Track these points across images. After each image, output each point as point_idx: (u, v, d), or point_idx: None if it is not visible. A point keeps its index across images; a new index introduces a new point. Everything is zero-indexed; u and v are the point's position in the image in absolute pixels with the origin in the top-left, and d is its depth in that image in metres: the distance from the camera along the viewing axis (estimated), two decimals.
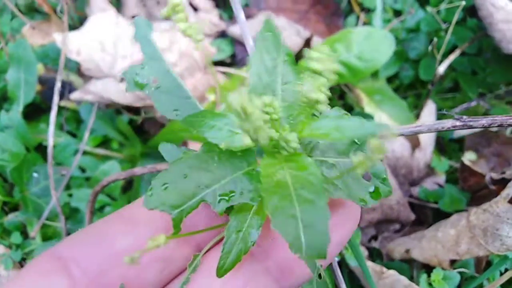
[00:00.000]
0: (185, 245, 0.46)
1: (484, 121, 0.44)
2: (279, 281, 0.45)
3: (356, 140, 0.44)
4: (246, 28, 0.52)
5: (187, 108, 0.47)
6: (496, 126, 0.44)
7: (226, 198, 0.41)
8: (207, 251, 0.45)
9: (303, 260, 0.32)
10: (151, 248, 0.34)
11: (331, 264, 0.65)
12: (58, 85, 0.82)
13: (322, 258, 0.32)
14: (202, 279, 0.44)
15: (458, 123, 0.45)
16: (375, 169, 0.44)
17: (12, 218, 0.94)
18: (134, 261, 0.33)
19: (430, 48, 0.95)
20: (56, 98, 0.81)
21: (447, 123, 0.46)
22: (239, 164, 0.42)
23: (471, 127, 0.45)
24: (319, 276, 0.46)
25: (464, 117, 0.45)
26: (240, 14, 0.58)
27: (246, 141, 0.35)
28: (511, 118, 0.43)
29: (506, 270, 0.76)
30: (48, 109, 1.12)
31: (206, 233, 0.47)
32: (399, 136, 0.51)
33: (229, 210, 0.42)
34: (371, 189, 0.44)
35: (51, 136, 0.79)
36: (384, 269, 0.75)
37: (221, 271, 0.41)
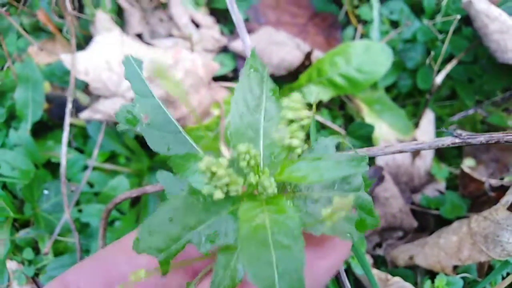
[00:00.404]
0: (182, 273, 0.49)
1: (482, 138, 0.47)
2: None
3: None
4: (248, 45, 0.55)
5: (178, 143, 0.48)
6: (493, 143, 0.46)
7: (211, 239, 0.42)
8: (201, 279, 0.47)
9: None
10: (132, 282, 0.35)
11: (338, 274, 0.68)
12: (69, 106, 0.85)
13: None
14: None
15: (457, 140, 0.48)
16: (361, 201, 0.43)
17: (23, 234, 0.96)
18: (138, 279, 0.35)
19: (428, 61, 0.98)
20: (67, 119, 0.83)
21: (447, 140, 0.49)
22: (223, 204, 0.43)
23: (469, 144, 0.47)
24: None
25: (463, 134, 0.48)
26: (243, 31, 0.60)
27: (218, 195, 0.35)
28: (508, 135, 0.46)
29: (508, 274, 0.79)
30: (55, 126, 1.14)
31: (202, 262, 0.48)
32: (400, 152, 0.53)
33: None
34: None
35: (63, 155, 0.81)
36: (389, 276, 0.78)
37: None
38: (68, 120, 0.83)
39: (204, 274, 0.47)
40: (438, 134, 1.02)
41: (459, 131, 0.47)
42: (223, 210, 0.43)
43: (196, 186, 0.42)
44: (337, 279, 0.87)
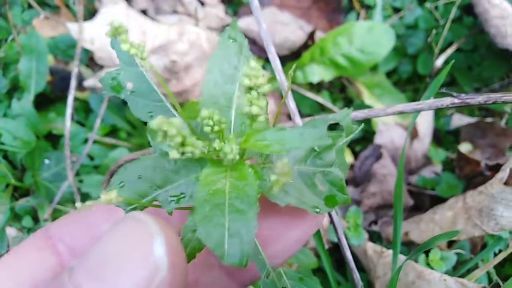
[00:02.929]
0: None
1: (480, 98, 0.48)
2: (232, 275, 0.49)
3: (316, 148, 0.45)
4: (259, 13, 0.56)
5: (160, 111, 0.48)
6: (491, 103, 0.48)
7: (176, 199, 0.43)
8: None
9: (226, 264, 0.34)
10: (102, 202, 0.36)
11: (340, 245, 0.68)
12: (75, 70, 0.86)
13: (242, 266, 0.34)
14: None
15: (456, 100, 0.49)
16: (331, 177, 0.44)
17: (23, 203, 0.96)
18: (87, 208, 0.36)
19: (429, 39, 0.99)
20: (73, 82, 0.84)
21: (446, 101, 0.50)
22: (193, 169, 0.44)
23: (468, 104, 0.48)
24: (267, 276, 0.47)
25: (462, 95, 0.49)
26: (256, 9, 0.60)
27: (173, 155, 0.35)
28: (505, 95, 0.47)
29: (500, 251, 0.80)
30: (57, 99, 1.15)
31: (179, 221, 0.49)
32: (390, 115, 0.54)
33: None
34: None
35: (68, 118, 0.82)
36: (384, 249, 0.79)
37: None
38: (74, 82, 0.83)
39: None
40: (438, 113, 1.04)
41: (458, 93, 0.49)
42: (192, 174, 0.44)
43: (165, 149, 0.43)
44: (338, 250, 0.88)
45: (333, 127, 0.82)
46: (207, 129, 0.39)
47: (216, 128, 0.39)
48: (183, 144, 0.35)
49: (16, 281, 0.42)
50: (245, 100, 0.38)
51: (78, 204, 0.35)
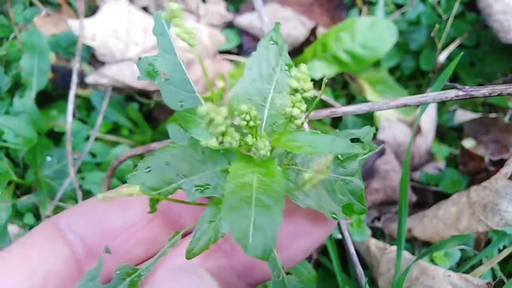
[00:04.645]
0: (171, 230, 0.50)
1: (485, 90, 0.48)
2: (242, 277, 0.49)
3: (339, 156, 0.46)
4: (261, 7, 0.55)
5: (191, 101, 0.49)
6: (496, 95, 0.47)
7: (201, 189, 0.44)
8: (188, 234, 0.49)
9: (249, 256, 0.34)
10: (124, 195, 0.36)
11: (343, 239, 0.68)
12: (76, 66, 0.85)
13: (264, 259, 0.34)
14: (175, 256, 0.47)
15: (461, 92, 0.48)
16: (352, 186, 0.45)
17: (25, 200, 0.96)
18: (106, 200, 0.36)
19: (432, 34, 0.99)
20: (74, 78, 0.84)
21: (451, 93, 0.49)
22: (219, 161, 0.45)
23: (473, 96, 0.48)
24: (278, 276, 0.48)
25: (466, 87, 0.48)
26: (259, 6, 0.60)
27: (211, 143, 0.36)
28: (510, 87, 0.47)
29: (505, 247, 0.80)
30: (59, 97, 1.15)
31: (190, 220, 0.50)
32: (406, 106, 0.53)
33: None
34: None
35: (70, 114, 0.82)
36: (387, 245, 0.79)
37: (189, 254, 0.44)
38: (75, 79, 0.83)
39: (192, 227, 0.49)
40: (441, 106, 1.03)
41: (462, 86, 0.48)
42: (218, 166, 0.45)
43: (196, 137, 0.44)
44: (341, 246, 0.88)
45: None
46: (243, 123, 0.40)
47: (251, 123, 0.40)
48: (224, 133, 0.35)
49: (28, 270, 0.42)
50: (288, 101, 0.39)
51: (99, 195, 0.35)
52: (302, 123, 0.47)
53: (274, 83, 0.48)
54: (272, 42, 0.48)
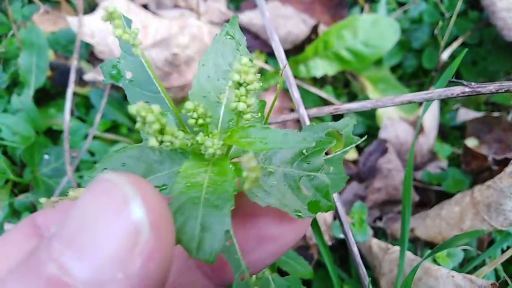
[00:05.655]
0: None
1: (492, 87, 0.46)
2: (209, 277, 0.48)
3: (304, 151, 0.44)
4: (262, 2, 0.54)
5: (156, 102, 0.48)
6: (503, 92, 0.46)
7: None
8: None
9: (194, 259, 0.33)
10: (69, 199, 0.36)
11: (346, 239, 0.67)
12: (75, 63, 0.84)
13: (210, 262, 0.33)
14: None
15: (467, 89, 0.47)
16: (317, 182, 0.43)
17: (22, 198, 0.95)
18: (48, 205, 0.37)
19: (435, 31, 0.98)
20: (73, 75, 0.82)
21: (457, 90, 0.48)
22: (178, 161, 0.43)
23: (479, 93, 0.47)
24: (242, 278, 0.46)
25: (473, 83, 0.47)
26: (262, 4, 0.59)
27: (152, 143, 0.35)
28: None
29: (508, 248, 0.78)
30: (57, 95, 1.13)
31: None
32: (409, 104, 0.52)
33: None
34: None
35: (67, 112, 0.81)
36: (389, 245, 0.77)
37: None
38: (73, 76, 0.82)
39: None
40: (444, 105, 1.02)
41: (468, 82, 0.47)
42: (176, 166, 0.43)
43: (144, 137, 0.43)
44: (342, 246, 0.86)
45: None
46: (191, 121, 0.39)
47: (200, 121, 0.39)
48: (161, 132, 0.34)
49: (6, 267, 0.41)
50: (233, 95, 0.37)
51: (70, 192, 0.35)
52: (266, 118, 0.46)
53: (230, 80, 0.47)
54: (229, 37, 0.46)
